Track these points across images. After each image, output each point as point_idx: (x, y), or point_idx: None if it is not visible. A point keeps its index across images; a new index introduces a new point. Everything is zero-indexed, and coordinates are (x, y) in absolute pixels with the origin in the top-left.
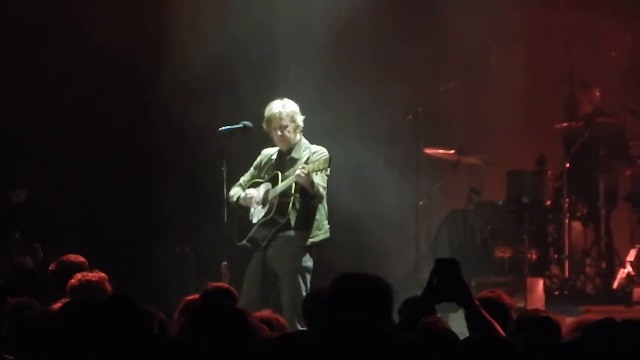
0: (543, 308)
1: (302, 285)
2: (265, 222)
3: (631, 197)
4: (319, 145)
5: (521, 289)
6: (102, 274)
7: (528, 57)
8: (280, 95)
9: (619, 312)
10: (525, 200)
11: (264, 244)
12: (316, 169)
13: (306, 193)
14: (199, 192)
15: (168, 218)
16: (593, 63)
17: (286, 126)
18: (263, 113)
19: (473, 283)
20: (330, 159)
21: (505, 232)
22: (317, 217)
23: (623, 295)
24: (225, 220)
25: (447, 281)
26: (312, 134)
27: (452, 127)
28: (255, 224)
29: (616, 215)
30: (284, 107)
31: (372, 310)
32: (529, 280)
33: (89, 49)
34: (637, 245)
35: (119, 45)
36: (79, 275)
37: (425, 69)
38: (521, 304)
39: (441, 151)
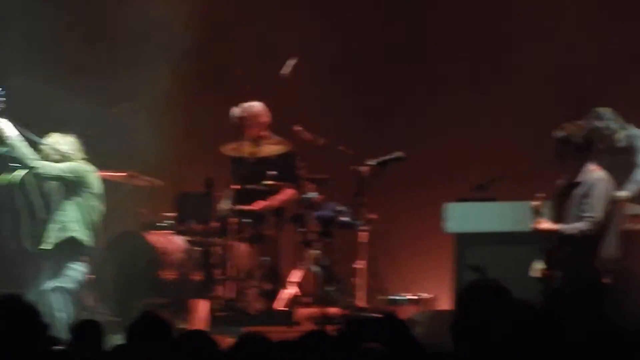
0: (207, 329)
1: (66, 302)
2: None
3: (296, 218)
4: None
5: (185, 311)
6: None
7: (200, 77)
8: None
9: (280, 333)
10: (193, 222)
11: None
12: None
13: None
14: None
15: None
16: (265, 82)
17: None
18: None
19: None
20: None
21: (173, 254)
22: (87, 215)
23: (285, 316)
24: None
25: None
26: None
27: (123, 149)
28: None
29: (282, 237)
30: None
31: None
32: (192, 301)
33: None
34: (301, 266)
35: None
36: None
37: (95, 89)
38: (185, 326)
39: (111, 173)
